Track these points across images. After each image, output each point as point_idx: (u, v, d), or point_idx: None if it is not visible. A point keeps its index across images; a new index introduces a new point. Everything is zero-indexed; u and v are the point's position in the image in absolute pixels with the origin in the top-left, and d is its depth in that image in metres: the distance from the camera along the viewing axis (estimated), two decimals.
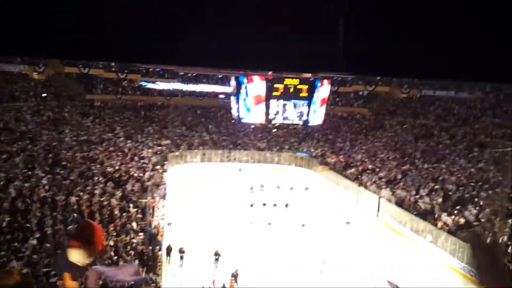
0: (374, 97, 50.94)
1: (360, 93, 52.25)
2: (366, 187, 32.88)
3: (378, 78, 47.94)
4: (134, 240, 19.20)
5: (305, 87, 18.36)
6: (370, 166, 36.91)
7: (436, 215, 25.46)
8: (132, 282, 3.22)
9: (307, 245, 23.30)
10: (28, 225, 15.14)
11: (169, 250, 20.59)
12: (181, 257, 20.25)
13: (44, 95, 38.14)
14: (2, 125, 25.59)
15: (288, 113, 18.50)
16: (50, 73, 42.81)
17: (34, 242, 14.06)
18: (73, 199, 19.22)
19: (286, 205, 29.86)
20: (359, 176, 35.53)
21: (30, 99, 35.33)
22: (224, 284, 18.10)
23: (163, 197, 28.51)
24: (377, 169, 35.91)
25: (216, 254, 20.49)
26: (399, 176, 33.14)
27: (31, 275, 12.08)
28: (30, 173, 20.22)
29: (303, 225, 26.00)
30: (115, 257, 16.32)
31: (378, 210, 29.59)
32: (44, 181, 20.12)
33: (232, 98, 19.95)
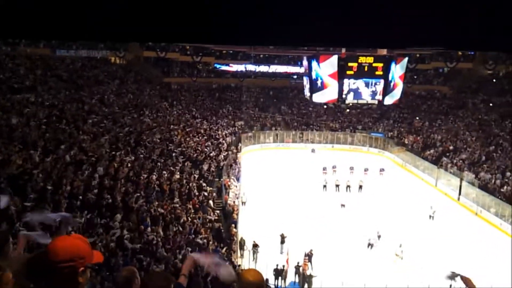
0: (455, 74, 47.98)
1: (440, 70, 49.48)
2: (446, 169, 31.38)
3: (460, 53, 45.12)
4: (211, 218, 19.92)
5: (380, 65, 17.81)
6: (451, 147, 35.15)
7: None
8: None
9: (382, 228, 22.81)
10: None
11: (242, 243, 19.93)
12: (254, 252, 19.43)
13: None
14: (88, 108, 27.33)
15: (362, 92, 18.06)
16: (130, 58, 44.97)
17: (119, 217, 15.02)
18: (154, 178, 20.23)
19: (360, 187, 29.35)
20: (439, 157, 33.98)
21: (112, 83, 37.35)
22: (298, 263, 18.24)
23: (238, 176, 29.20)
24: (459, 151, 34.13)
25: (282, 236, 20.51)
26: (483, 158, 31.28)
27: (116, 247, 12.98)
28: (114, 153, 21.49)
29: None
30: (193, 234, 17.07)
31: (460, 193, 28.17)
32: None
33: (304, 78, 19.86)
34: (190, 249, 15.30)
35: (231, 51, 46.73)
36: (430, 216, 24.80)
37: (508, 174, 27.69)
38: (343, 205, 25.98)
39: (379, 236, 21.29)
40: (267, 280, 16.35)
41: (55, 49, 40.16)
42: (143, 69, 44.96)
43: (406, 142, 39.28)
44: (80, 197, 15.15)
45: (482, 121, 38.50)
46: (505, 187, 26.26)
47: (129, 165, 20.61)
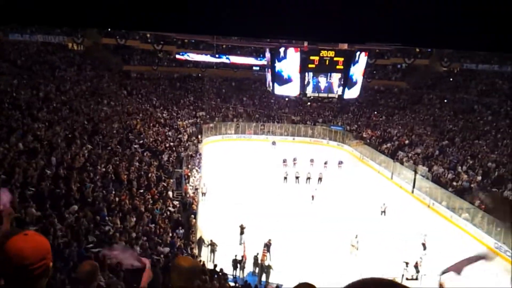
0: (412, 70, 49.44)
1: (399, 66, 50.82)
2: (402, 162, 32.36)
3: (418, 50, 46.48)
4: (171, 209, 19.70)
5: (341, 59, 18.00)
6: (406, 141, 36.26)
7: (474, 193, 24.93)
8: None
9: (339, 219, 23.30)
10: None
11: (200, 242, 19.34)
12: (212, 250, 18.84)
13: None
14: (43, 95, 26.33)
15: (323, 86, 18.25)
16: (88, 44, 43.52)
17: (76, 207, 14.60)
18: (111, 167, 19.76)
19: (320, 179, 29.80)
20: (395, 151, 34.99)
21: (69, 70, 36.08)
22: (257, 253, 18.35)
23: (198, 167, 29.02)
24: (414, 145, 35.26)
25: (241, 227, 20.56)
26: (437, 152, 32.45)
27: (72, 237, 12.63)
28: (70, 142, 20.83)
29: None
30: (152, 224, 16.84)
31: (414, 186, 29.13)
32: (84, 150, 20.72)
33: (267, 71, 19.85)
34: (146, 239, 15.13)
35: (192, 40, 46.08)
36: (382, 212, 25.22)
37: (459, 168, 28.86)
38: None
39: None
40: (221, 269, 16.32)
41: (8, 32, 38.30)
42: (102, 56, 43.65)
43: (365, 136, 40.20)
44: (34, 187, 14.62)
45: (436, 117, 39.87)
46: (456, 181, 27.38)
47: (85, 154, 20.04)
